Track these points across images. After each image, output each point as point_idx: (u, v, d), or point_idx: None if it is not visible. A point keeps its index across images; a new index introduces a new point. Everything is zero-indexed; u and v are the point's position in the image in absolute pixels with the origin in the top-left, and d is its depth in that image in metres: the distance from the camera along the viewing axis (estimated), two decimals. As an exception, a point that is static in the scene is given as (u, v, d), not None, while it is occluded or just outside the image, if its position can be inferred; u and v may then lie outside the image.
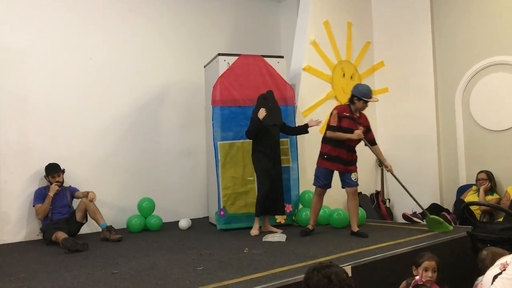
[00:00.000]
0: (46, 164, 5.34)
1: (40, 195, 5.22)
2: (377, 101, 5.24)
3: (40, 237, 5.20)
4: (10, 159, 5.35)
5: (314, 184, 5.00)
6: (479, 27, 6.17)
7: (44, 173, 5.33)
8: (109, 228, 5.07)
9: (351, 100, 4.84)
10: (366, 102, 4.79)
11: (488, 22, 6.08)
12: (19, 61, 5.49)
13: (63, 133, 5.72)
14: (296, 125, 5.71)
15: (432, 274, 3.14)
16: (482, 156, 6.08)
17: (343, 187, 4.95)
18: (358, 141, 4.87)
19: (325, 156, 4.88)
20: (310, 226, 4.96)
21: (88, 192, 5.24)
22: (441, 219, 4.78)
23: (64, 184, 5.40)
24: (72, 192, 5.42)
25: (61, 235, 4.66)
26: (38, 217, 5.19)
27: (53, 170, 5.29)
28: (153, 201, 5.89)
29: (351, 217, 4.90)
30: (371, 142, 4.97)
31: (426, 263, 3.15)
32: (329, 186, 4.96)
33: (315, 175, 4.97)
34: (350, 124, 4.78)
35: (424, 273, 3.12)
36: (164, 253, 4.27)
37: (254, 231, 5.04)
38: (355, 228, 4.82)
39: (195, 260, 3.88)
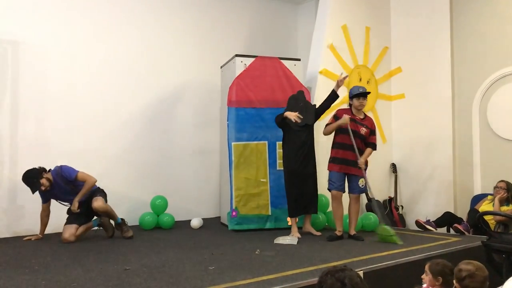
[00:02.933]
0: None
1: (42, 195, 4.92)
2: (365, 92, 4.95)
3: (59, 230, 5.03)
4: (26, 153, 5.42)
5: (328, 189, 5.00)
6: (498, 36, 6.10)
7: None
8: (121, 224, 5.07)
9: (349, 103, 5.02)
10: (358, 98, 4.84)
11: (508, 32, 6.01)
12: (39, 56, 5.57)
13: (79, 128, 5.79)
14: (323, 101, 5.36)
15: None
16: (498, 166, 6.01)
17: (348, 192, 4.97)
18: (362, 141, 4.90)
19: (334, 160, 4.94)
20: (337, 232, 4.92)
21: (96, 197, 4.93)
22: (391, 231, 4.66)
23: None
24: (69, 177, 4.85)
25: (67, 231, 4.78)
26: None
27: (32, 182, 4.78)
28: (166, 199, 5.92)
29: (350, 221, 5.00)
30: (371, 144, 4.97)
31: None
32: (344, 190, 4.96)
33: (329, 179, 4.99)
34: (353, 125, 4.84)
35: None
36: (176, 251, 4.29)
37: (295, 234, 4.99)
38: (352, 231, 4.95)
39: (206, 259, 3.89)
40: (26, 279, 3.30)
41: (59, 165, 4.94)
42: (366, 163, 4.90)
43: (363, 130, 4.88)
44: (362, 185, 4.90)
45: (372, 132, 4.97)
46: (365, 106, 4.98)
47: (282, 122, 5.11)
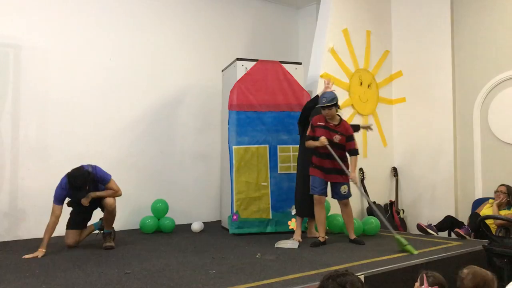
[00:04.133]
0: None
1: (58, 194, 4.45)
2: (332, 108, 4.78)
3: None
4: (28, 156, 5.43)
5: (311, 193, 4.92)
6: (499, 40, 6.11)
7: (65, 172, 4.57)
8: (107, 235, 4.75)
9: None
10: (324, 109, 4.72)
11: (509, 36, 6.01)
12: (40, 60, 5.58)
13: (79, 132, 5.79)
14: None
15: None
16: (499, 170, 6.00)
17: (332, 197, 4.94)
18: (342, 149, 4.79)
19: (313, 165, 4.90)
20: (320, 238, 4.83)
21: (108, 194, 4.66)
22: (405, 242, 4.41)
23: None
24: (102, 181, 4.64)
25: (70, 236, 4.67)
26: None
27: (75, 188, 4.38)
28: (166, 203, 5.92)
29: (346, 226, 4.98)
30: (351, 151, 4.81)
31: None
32: (326, 194, 4.85)
33: (310, 184, 4.90)
34: (323, 133, 4.75)
35: None
36: (176, 255, 4.29)
37: (297, 237, 4.98)
38: (352, 236, 4.92)
39: (207, 263, 3.88)
40: (27, 282, 3.30)
41: (91, 164, 4.63)
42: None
43: (336, 138, 4.75)
44: (345, 192, 4.81)
45: (348, 138, 4.80)
46: (334, 115, 4.77)
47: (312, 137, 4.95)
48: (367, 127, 5.68)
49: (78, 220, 4.77)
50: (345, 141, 4.79)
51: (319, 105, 4.80)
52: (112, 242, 4.70)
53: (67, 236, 4.70)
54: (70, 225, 4.76)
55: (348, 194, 4.88)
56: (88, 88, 5.89)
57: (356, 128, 5.54)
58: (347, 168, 4.75)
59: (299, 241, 4.85)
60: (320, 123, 4.81)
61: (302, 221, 5.21)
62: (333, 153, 4.69)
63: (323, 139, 4.69)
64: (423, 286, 2.93)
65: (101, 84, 5.99)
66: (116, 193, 4.72)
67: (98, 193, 4.63)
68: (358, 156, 4.87)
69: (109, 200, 4.63)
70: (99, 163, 5.76)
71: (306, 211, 5.14)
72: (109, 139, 6.01)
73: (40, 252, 4.24)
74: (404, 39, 7.12)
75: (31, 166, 5.44)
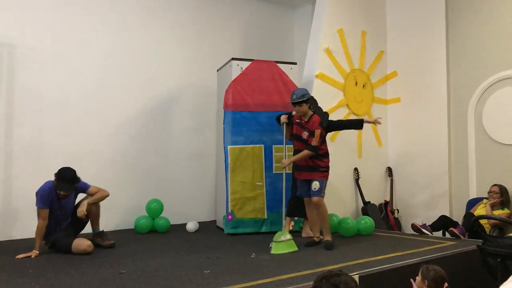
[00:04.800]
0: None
1: (45, 198, 4.40)
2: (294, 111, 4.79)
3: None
4: (21, 156, 5.40)
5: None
6: (494, 41, 6.13)
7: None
8: (101, 234, 4.72)
9: None
10: (294, 105, 4.66)
11: (504, 36, 6.03)
12: (34, 59, 5.55)
13: (75, 132, 5.77)
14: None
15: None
16: (493, 170, 6.02)
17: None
18: (316, 147, 4.60)
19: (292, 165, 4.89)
20: (315, 238, 4.83)
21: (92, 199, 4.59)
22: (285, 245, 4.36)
23: None
24: (83, 190, 4.65)
25: (84, 242, 4.36)
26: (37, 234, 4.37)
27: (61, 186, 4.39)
28: (161, 203, 5.91)
29: (321, 227, 4.77)
30: (307, 145, 4.61)
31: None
32: (308, 195, 4.72)
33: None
34: (297, 130, 4.77)
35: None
36: (171, 255, 4.28)
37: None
38: (324, 237, 4.70)
39: (202, 263, 3.88)
40: (20, 283, 3.29)
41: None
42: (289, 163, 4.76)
43: (304, 135, 4.67)
44: (315, 188, 4.59)
45: (310, 133, 4.64)
46: (304, 111, 4.68)
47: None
48: (374, 121, 5.31)
49: (71, 234, 4.56)
50: (309, 136, 4.65)
51: (289, 102, 4.75)
52: (109, 240, 4.68)
53: (77, 245, 4.34)
54: (67, 236, 4.49)
55: (319, 192, 4.58)
56: (82, 88, 5.86)
57: (359, 123, 5.37)
58: (320, 165, 4.65)
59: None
60: (297, 120, 4.80)
61: (290, 221, 5.20)
62: (283, 136, 4.84)
63: (282, 118, 4.83)
64: (418, 278, 2.98)
65: (95, 84, 5.97)
66: (104, 193, 4.68)
67: (91, 199, 4.57)
68: (309, 153, 4.58)
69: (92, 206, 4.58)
70: (94, 163, 5.81)
71: (294, 211, 5.15)
72: (104, 138, 5.99)
73: (33, 253, 4.22)
74: (399, 39, 7.13)
75: (25, 166, 5.41)
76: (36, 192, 4.45)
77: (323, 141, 4.72)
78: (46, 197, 4.40)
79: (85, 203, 4.55)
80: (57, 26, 5.73)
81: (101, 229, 4.81)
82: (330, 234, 4.73)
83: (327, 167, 4.72)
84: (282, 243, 4.39)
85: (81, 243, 4.34)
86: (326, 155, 4.74)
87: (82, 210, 4.50)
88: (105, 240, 4.69)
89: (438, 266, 2.96)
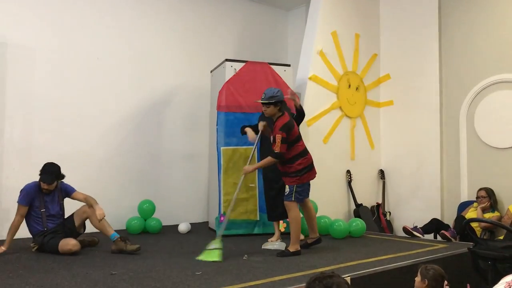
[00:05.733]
0: (50, 160, 4.76)
1: (26, 194, 4.43)
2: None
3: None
4: (12, 156, 5.36)
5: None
6: (486, 45, 6.18)
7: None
8: (124, 239, 4.42)
9: None
10: (263, 105, 4.45)
11: (496, 40, 6.09)
12: (26, 58, 5.51)
13: (66, 132, 5.73)
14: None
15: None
16: (484, 173, 6.07)
17: None
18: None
19: None
20: (308, 240, 4.76)
21: (92, 205, 4.46)
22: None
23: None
24: (68, 193, 4.61)
25: (69, 241, 4.28)
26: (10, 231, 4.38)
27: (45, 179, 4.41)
28: (153, 204, 5.89)
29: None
30: (274, 154, 4.32)
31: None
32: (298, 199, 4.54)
33: None
34: (270, 132, 4.58)
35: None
36: (163, 256, 4.26)
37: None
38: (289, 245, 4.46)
39: (194, 264, 3.86)
40: (10, 283, 3.26)
41: None
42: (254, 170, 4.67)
43: (272, 137, 4.45)
44: (285, 192, 4.46)
45: (273, 139, 4.37)
46: (271, 113, 4.45)
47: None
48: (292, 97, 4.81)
49: (59, 235, 4.43)
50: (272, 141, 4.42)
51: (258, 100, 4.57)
52: (134, 245, 4.37)
53: (63, 245, 4.28)
54: (56, 237, 4.39)
55: (288, 197, 4.38)
56: (75, 88, 5.83)
57: (298, 112, 4.89)
58: (289, 171, 4.41)
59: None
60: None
61: (278, 223, 5.18)
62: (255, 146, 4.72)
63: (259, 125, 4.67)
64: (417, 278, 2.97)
65: (88, 84, 5.93)
66: (88, 197, 4.54)
67: (95, 204, 4.46)
68: (271, 159, 4.34)
69: (93, 215, 4.44)
70: (86, 163, 5.78)
71: (272, 215, 5.13)
72: (96, 139, 5.96)
73: (1, 250, 4.24)
74: (392, 43, 7.17)
75: (16, 166, 5.36)
76: (21, 190, 4.48)
77: (289, 145, 4.36)
78: (27, 194, 4.43)
79: (97, 207, 4.41)
80: (50, 24, 5.69)
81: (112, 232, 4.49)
82: (296, 243, 4.39)
83: (297, 172, 4.38)
84: (209, 251, 4.18)
85: (67, 243, 4.27)
86: (294, 159, 4.39)
87: (101, 213, 4.37)
88: (127, 247, 4.35)
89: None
